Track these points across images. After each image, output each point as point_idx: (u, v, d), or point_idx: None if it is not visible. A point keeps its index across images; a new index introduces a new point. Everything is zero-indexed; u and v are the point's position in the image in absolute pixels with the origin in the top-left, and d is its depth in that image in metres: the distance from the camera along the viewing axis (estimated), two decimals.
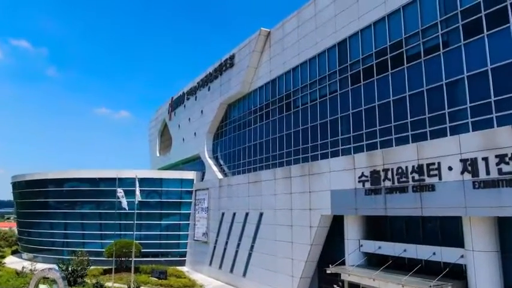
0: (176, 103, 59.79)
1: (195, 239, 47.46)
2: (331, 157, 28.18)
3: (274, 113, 36.04)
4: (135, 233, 49.16)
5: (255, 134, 38.89)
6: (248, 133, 40.18)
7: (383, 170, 22.28)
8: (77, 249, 50.47)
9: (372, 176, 23.03)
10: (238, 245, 37.43)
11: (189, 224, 50.24)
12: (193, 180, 50.48)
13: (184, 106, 56.22)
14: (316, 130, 30.00)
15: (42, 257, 52.59)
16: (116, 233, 49.26)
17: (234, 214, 39.00)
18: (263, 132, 37.41)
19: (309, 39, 31.51)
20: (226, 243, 39.81)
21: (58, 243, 51.64)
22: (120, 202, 37.84)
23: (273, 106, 36.33)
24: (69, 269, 35.59)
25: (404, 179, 20.96)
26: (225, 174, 44.24)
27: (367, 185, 23.26)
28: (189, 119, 53.80)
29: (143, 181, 49.35)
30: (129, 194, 49.09)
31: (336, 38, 28.70)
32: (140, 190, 48.81)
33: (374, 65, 25.34)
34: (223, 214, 41.44)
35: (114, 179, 48.83)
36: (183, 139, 55.53)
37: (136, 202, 37.16)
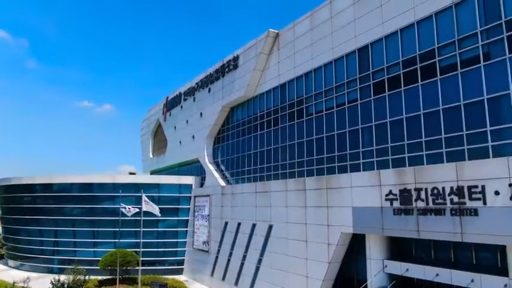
0: (172, 103, 57.41)
1: (195, 247, 45.54)
2: (350, 170, 26.65)
3: (283, 120, 34.27)
4: (132, 241, 47.18)
5: (261, 140, 37.06)
6: (254, 139, 38.32)
7: (415, 190, 20.82)
8: (68, 257, 48.18)
9: (402, 195, 21.56)
10: (244, 257, 35.72)
11: (186, 230, 48.27)
12: (191, 185, 48.46)
13: (181, 107, 53.92)
14: (333, 140, 28.39)
15: (30, 265, 49.91)
16: (111, 240, 47.11)
17: (239, 224, 37.24)
18: (271, 139, 35.62)
19: (324, 43, 29.77)
20: (231, 254, 38.05)
21: (48, 251, 49.00)
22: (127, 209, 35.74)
23: (282, 112, 34.54)
24: (65, 287, 33.28)
25: (440, 201, 19.53)
26: (228, 181, 42.36)
27: (396, 204, 21.79)
28: (187, 121, 51.58)
29: (140, 186, 47.08)
30: (125, 200, 46.93)
31: (356, 44, 27.03)
32: (136, 196, 46.60)
33: (401, 74, 23.78)
34: (226, 223, 39.62)
35: (109, 184, 46.53)
36: (180, 142, 53.29)
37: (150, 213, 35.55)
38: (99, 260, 45.74)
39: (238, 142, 41.08)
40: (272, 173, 34.97)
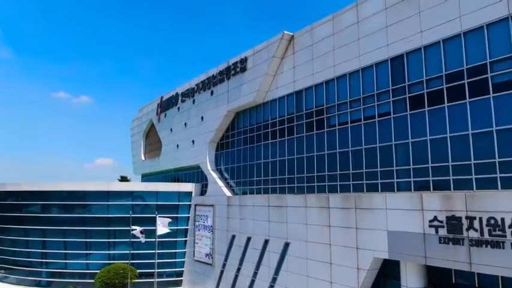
0: (167, 104, 54.37)
1: (196, 259, 43.14)
2: (381, 189, 24.80)
3: (300, 130, 32.12)
4: (127, 252, 44.31)
5: (273, 150, 34.84)
6: (264, 148, 36.06)
7: (466, 218, 19.09)
8: (58, 269, 45.01)
9: (450, 223, 19.82)
10: (255, 274, 33.64)
11: (185, 240, 45.76)
12: (191, 193, 45.89)
13: (178, 109, 51.02)
14: (361, 156, 26.43)
15: (16, 277, 46.46)
16: (104, 252, 44.22)
17: (249, 239, 35.06)
18: (284, 149, 33.44)
19: (349, 49, 27.67)
20: (239, 269, 35.90)
21: (35, 263, 45.58)
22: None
23: (298, 121, 32.38)
24: None
25: (499, 233, 17.86)
26: (233, 191, 40.00)
27: (442, 232, 20.05)
28: (185, 123, 48.78)
29: (136, 194, 44.33)
30: (120, 209, 44.09)
31: (388, 53, 25.04)
32: (135, 205, 43.93)
33: (444, 89, 21.94)
34: (233, 237, 37.37)
35: (102, 192, 43.52)
36: (177, 145, 50.47)
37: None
38: (92, 272, 42.89)
39: (246, 150, 38.72)
40: (286, 185, 32.85)
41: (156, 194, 44.78)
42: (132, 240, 44.30)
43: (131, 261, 43.88)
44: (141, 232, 36.08)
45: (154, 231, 44.75)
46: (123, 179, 63.46)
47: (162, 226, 33.82)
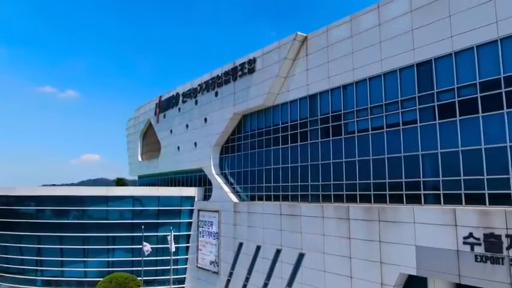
0: (166, 104, 52.53)
1: (200, 266, 41.68)
2: (406, 201, 23.68)
3: (314, 135, 30.83)
4: (127, 259, 42.75)
5: (284, 155, 33.49)
6: (274, 153, 34.67)
7: (507, 236, 18.08)
8: (54, 277, 43.12)
9: (487, 241, 18.79)
10: (266, 284, 32.39)
11: (187, 246, 44.23)
12: (194, 197, 44.33)
13: (179, 109, 49.25)
14: (383, 165, 25.25)
15: (9, 286, 44.32)
16: (103, 259, 42.50)
17: (258, 248, 33.75)
18: (297, 155, 32.12)
19: (370, 53, 26.41)
20: (247, 279, 34.60)
21: (30, 271, 43.51)
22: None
23: (312, 126, 31.07)
24: None
25: None
26: (239, 196, 38.58)
27: (479, 250, 19.02)
28: (187, 125, 47.08)
29: (137, 199, 42.65)
30: (120, 214, 42.42)
31: (413, 58, 23.84)
32: (136, 210, 42.31)
33: (478, 98, 20.84)
34: (241, 244, 36.01)
35: (101, 197, 41.73)
36: (178, 148, 48.75)
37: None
38: (90, 280, 41.21)
39: (254, 154, 37.30)
40: (299, 193, 31.57)
41: (158, 199, 43.11)
42: (132, 247, 42.77)
43: (131, 269, 42.35)
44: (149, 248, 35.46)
45: (155, 237, 43.31)
46: (120, 181, 61.39)
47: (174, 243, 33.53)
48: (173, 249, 35.90)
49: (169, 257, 43.04)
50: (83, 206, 41.99)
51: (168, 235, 35.88)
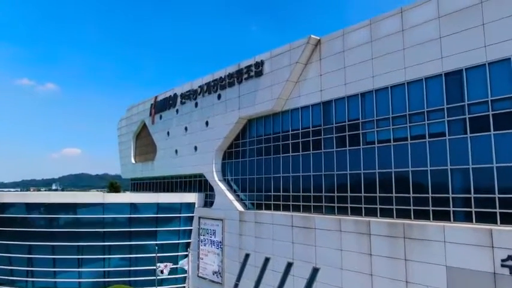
0: (162, 105, 50.43)
1: (201, 275, 40.10)
2: (433, 218, 22.60)
3: (328, 144, 29.51)
4: (124, 269, 40.87)
5: (295, 164, 32.08)
6: (283, 161, 33.24)
7: None
8: None
9: None
10: None
11: (186, 255, 42.52)
12: (194, 204, 42.59)
13: (177, 111, 47.28)
14: (407, 178, 24.11)
15: None
16: (99, 269, 40.47)
17: (267, 260, 32.37)
18: (309, 164, 30.76)
19: (393, 60, 25.16)
20: None
21: (20, 282, 41.02)
22: None
23: (326, 135, 29.74)
24: None
25: None
26: (244, 204, 37.05)
27: None
28: (186, 128, 45.19)
29: (135, 206, 40.72)
30: (117, 222, 40.45)
31: (441, 67, 22.67)
32: (132, 218, 40.44)
33: None
34: (247, 255, 34.56)
35: (97, 204, 39.64)
36: (176, 151, 46.83)
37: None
38: None
39: (260, 161, 35.77)
40: (312, 204, 30.26)
41: (157, 206, 41.21)
42: (130, 256, 40.91)
43: (129, 279, 40.51)
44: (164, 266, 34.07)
45: (154, 245, 41.47)
46: (113, 185, 58.99)
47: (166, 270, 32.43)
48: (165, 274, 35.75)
49: (170, 266, 41.35)
50: (77, 214, 39.75)
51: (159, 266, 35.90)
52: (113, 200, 40.52)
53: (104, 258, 40.19)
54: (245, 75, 36.48)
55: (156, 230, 41.24)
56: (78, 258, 39.98)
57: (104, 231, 39.88)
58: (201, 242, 40.68)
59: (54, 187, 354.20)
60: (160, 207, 41.25)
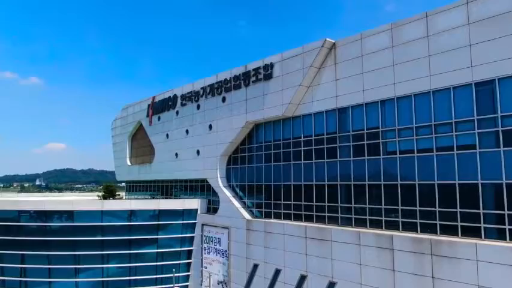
0: (161, 106, 48.58)
1: (205, 285, 38.66)
2: (462, 234, 21.66)
3: (344, 153, 28.34)
4: (124, 278, 39.22)
5: (307, 172, 30.85)
6: (295, 168, 31.97)
7: None
8: None
9: None
10: None
11: (188, 263, 41.06)
12: (196, 210, 41.07)
13: (177, 112, 45.53)
14: (432, 191, 23.09)
15: None
16: (98, 279, 38.70)
17: (278, 271, 31.16)
18: (324, 172, 29.58)
19: (416, 66, 24.05)
20: None
21: None
22: None
23: (342, 143, 28.56)
24: None
25: None
26: (251, 212, 35.71)
27: None
28: (187, 131, 43.53)
29: (135, 213, 39.06)
30: (117, 230, 38.75)
31: (472, 76, 21.65)
32: (132, 225, 38.81)
33: None
34: (255, 266, 33.30)
35: (95, 212, 37.83)
36: (176, 154, 45.14)
37: None
38: None
39: (269, 168, 34.43)
40: (327, 214, 29.10)
41: (158, 213, 39.55)
42: (129, 265, 39.28)
43: None
44: None
45: (154, 253, 39.93)
46: (109, 187, 56.89)
47: None
48: None
49: (169, 275, 39.88)
50: (74, 222, 37.82)
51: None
52: (112, 208, 38.70)
53: (103, 268, 38.40)
54: (253, 78, 35.01)
55: (157, 238, 39.61)
56: (75, 268, 38.11)
57: (102, 240, 38.06)
58: (205, 249, 39.25)
59: (38, 182, 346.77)
60: (161, 214, 39.60)
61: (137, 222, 38.84)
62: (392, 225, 24.95)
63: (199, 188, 42.83)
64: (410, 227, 24.02)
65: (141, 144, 54.26)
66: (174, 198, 45.93)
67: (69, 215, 37.66)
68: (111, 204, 39.25)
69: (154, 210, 39.44)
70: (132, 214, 38.74)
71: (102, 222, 38.05)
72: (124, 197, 58.74)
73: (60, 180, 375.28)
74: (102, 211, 37.96)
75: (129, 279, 39.03)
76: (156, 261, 39.75)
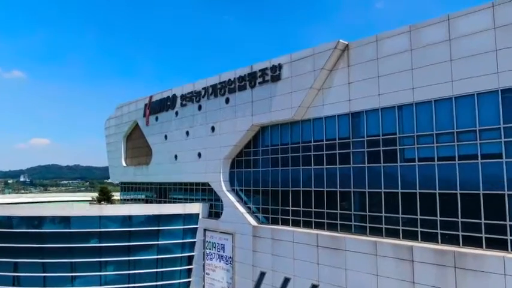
0: (159, 106, 46.99)
1: None
2: (486, 246, 20.96)
3: (358, 158, 27.43)
4: (122, 286, 37.82)
5: (318, 177, 29.87)
6: (304, 173, 30.96)
7: None
8: None
9: None
10: None
11: (189, 269, 39.81)
12: (198, 214, 39.79)
13: (177, 113, 44.04)
14: (454, 201, 22.33)
15: None
16: (95, 287, 37.16)
17: (287, 280, 30.20)
18: (336, 179, 28.62)
19: (437, 71, 23.21)
20: None
21: None
22: None
23: (355, 148, 27.64)
24: None
25: None
26: (257, 218, 34.61)
27: None
28: (187, 132, 42.12)
29: (134, 218, 37.68)
30: (113, 236, 37.28)
31: (498, 82, 20.89)
32: (131, 231, 37.38)
33: None
34: (262, 274, 32.26)
35: (93, 217, 36.32)
36: (176, 156, 43.69)
37: None
38: None
39: (276, 172, 33.33)
40: (339, 222, 28.19)
41: (158, 218, 38.14)
42: (128, 272, 37.88)
43: None
44: None
45: (154, 260, 38.64)
46: (104, 189, 55.14)
47: None
48: None
49: (169, 281, 38.64)
50: (70, 228, 36.18)
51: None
52: (111, 213, 37.15)
53: (100, 276, 36.89)
54: (259, 79, 33.79)
55: (157, 244, 38.23)
56: (72, 276, 36.54)
57: (100, 246, 36.54)
58: (207, 255, 38.04)
59: (22, 179, 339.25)
60: (162, 219, 38.22)
61: (137, 227, 37.39)
62: (410, 235, 24.13)
63: (200, 191, 41.50)
64: (430, 238, 23.24)
65: (137, 145, 52.58)
66: (173, 202, 44.58)
67: (66, 220, 35.98)
68: (109, 210, 37.63)
69: (154, 215, 38.00)
70: (131, 219, 37.26)
71: (100, 228, 36.49)
72: (119, 199, 56.98)
73: (45, 176, 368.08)
74: (100, 216, 36.38)
75: (128, 287, 37.61)
76: (156, 268, 38.38)
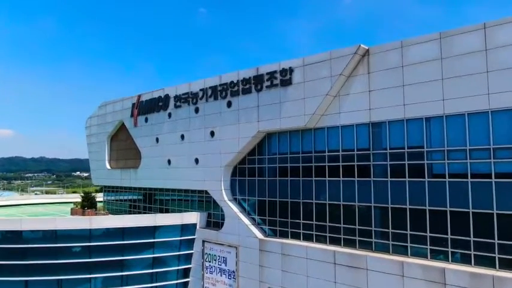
0: (148, 106, 43.93)
1: None
2: None
3: (379, 172, 25.89)
4: None
5: (334, 190, 28.14)
6: (317, 185, 29.17)
7: None
8: None
9: None
10: None
11: (186, 283, 37.42)
12: (195, 224, 37.37)
13: (169, 115, 41.18)
14: (491, 221, 21.13)
15: None
16: None
17: None
18: (354, 192, 26.99)
19: (472, 82, 21.88)
20: None
21: None
22: None
23: (376, 161, 26.07)
24: None
25: None
26: (263, 230, 32.60)
27: None
28: (182, 136, 39.42)
29: (128, 231, 34.95)
30: (107, 251, 34.42)
31: None
32: (125, 244, 34.64)
33: None
34: None
35: (83, 230, 33.35)
36: (169, 161, 40.92)
37: None
38: None
39: (285, 182, 31.37)
40: (357, 238, 26.64)
41: (154, 229, 35.43)
42: None
43: None
44: None
45: (150, 274, 36.08)
46: (87, 195, 51.22)
47: None
48: None
49: None
50: (57, 242, 32.92)
51: None
52: (101, 225, 34.11)
53: None
54: (267, 83, 31.62)
55: (152, 257, 35.58)
56: None
57: (89, 262, 33.55)
58: (207, 269, 35.76)
59: None
60: (158, 230, 35.54)
61: (130, 240, 34.57)
62: (439, 256, 22.87)
63: (197, 198, 39.04)
64: (462, 259, 22.04)
65: (123, 147, 49.24)
66: (164, 209, 41.92)
67: (52, 234, 32.70)
68: (99, 222, 34.47)
69: (149, 227, 35.25)
70: (124, 232, 34.41)
71: (89, 242, 33.46)
72: (103, 204, 53.43)
73: (8, 169, 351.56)
74: (90, 229, 33.34)
75: None
76: (151, 282, 35.76)
